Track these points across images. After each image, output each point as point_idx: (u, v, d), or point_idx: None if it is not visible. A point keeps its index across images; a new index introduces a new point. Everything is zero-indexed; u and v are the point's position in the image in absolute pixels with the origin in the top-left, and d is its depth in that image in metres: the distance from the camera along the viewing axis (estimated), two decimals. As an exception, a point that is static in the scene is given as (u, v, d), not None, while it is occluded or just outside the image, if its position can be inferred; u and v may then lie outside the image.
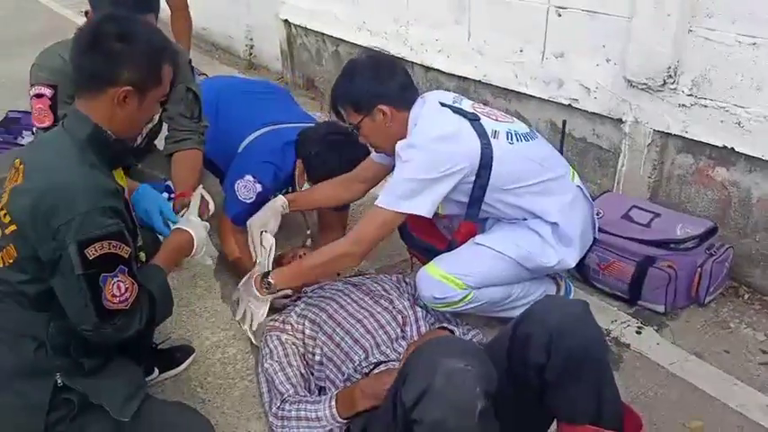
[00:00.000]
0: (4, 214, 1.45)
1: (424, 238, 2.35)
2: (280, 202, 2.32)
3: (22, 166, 1.48)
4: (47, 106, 2.13)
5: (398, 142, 1.98)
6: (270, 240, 2.13)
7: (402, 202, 1.93)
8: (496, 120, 2.06)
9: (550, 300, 1.56)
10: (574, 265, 2.10)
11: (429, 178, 1.91)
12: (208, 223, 1.93)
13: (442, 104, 2.04)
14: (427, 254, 2.24)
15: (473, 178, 1.97)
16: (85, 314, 1.45)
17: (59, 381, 1.51)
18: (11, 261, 1.47)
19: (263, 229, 2.23)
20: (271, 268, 2.07)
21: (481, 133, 1.96)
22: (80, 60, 1.52)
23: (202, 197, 2.02)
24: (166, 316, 1.72)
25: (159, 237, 1.88)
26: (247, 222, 2.30)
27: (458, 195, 2.01)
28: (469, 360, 1.30)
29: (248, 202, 2.42)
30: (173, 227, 1.87)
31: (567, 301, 1.84)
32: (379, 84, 2.00)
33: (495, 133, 2.00)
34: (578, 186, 2.11)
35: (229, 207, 2.44)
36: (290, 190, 2.55)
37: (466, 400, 1.26)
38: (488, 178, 1.97)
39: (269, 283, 2.00)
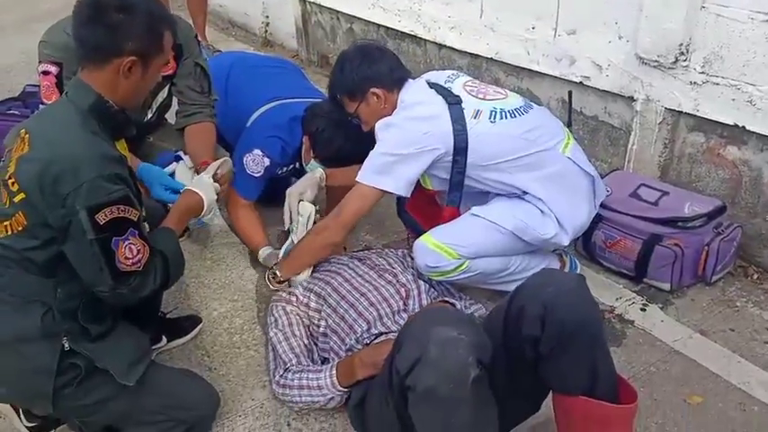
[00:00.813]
0: (12, 183, 1.48)
1: (415, 215, 2.37)
2: (318, 173, 2.36)
3: (27, 135, 1.50)
4: (53, 84, 2.16)
5: (378, 121, 2.02)
6: (308, 208, 2.19)
7: (376, 177, 2.00)
8: (483, 98, 2.06)
9: (546, 272, 1.57)
10: (567, 243, 2.11)
11: (402, 153, 1.97)
12: (218, 185, 1.95)
13: (430, 85, 2.08)
14: (415, 232, 2.27)
15: (450, 159, 2.01)
16: (101, 277, 1.48)
17: (66, 345, 1.54)
18: (20, 228, 1.50)
19: (301, 198, 2.27)
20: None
21: (457, 118, 1.99)
22: (82, 33, 1.53)
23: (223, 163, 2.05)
24: (179, 276, 1.74)
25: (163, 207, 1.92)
26: (286, 191, 2.33)
27: (440, 172, 2.05)
28: (463, 329, 1.32)
29: (256, 176, 2.45)
30: (183, 189, 1.91)
31: (563, 274, 1.85)
32: (368, 68, 2.07)
33: (477, 113, 2.01)
34: (569, 158, 2.08)
35: (238, 181, 2.47)
36: (297, 165, 2.57)
37: (458, 368, 1.28)
38: (465, 163, 2.01)
39: (274, 274, 2.13)
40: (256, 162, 2.43)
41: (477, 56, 3.36)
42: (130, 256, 1.49)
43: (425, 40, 3.67)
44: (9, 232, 1.51)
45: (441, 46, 3.60)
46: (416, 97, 2.07)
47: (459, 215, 2.13)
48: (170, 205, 1.92)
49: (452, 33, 3.45)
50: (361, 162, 2.28)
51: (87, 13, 1.52)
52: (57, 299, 1.53)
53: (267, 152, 2.44)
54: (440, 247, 2.03)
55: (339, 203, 2.07)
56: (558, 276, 1.55)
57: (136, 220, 1.50)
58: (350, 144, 2.33)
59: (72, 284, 1.53)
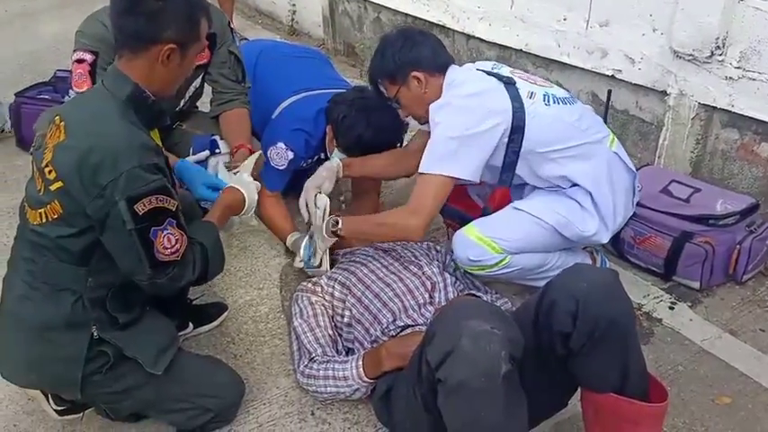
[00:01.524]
0: (50, 171, 1.49)
1: (458, 206, 2.35)
2: (336, 163, 2.33)
3: (62, 123, 1.51)
4: (86, 72, 2.17)
5: (431, 105, 1.97)
6: (324, 200, 2.17)
7: (444, 164, 1.91)
8: (534, 83, 2.05)
9: (579, 268, 1.53)
10: (606, 241, 2.07)
11: (465, 135, 1.90)
12: (259, 183, 1.97)
13: (478, 69, 2.04)
14: (462, 222, 2.23)
15: (506, 141, 1.95)
16: (140, 267, 1.49)
17: (95, 333, 1.56)
18: (55, 216, 1.51)
19: (318, 190, 2.25)
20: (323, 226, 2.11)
21: (514, 96, 1.95)
22: (121, 21, 1.53)
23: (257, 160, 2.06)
24: (218, 271, 1.74)
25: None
26: (305, 184, 2.31)
27: (492, 159, 1.99)
28: (496, 323, 1.31)
29: (280, 168, 2.45)
30: (226, 184, 1.92)
31: (596, 270, 1.81)
32: (409, 51, 2.02)
33: (532, 95, 1.98)
34: (615, 153, 2.07)
35: (263, 173, 2.48)
36: (321, 156, 2.57)
37: (490, 363, 1.27)
38: (521, 142, 1.95)
39: (336, 222, 2.06)
40: (280, 155, 2.43)
41: (506, 47, 3.33)
42: (168, 246, 1.50)
43: (454, 30, 3.64)
44: (44, 220, 1.52)
45: (469, 37, 3.57)
46: (467, 76, 2.03)
47: (510, 198, 2.09)
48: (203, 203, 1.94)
49: (481, 24, 3.42)
50: (387, 149, 2.27)
51: (125, 1, 1.52)
52: (87, 287, 1.55)
53: (291, 145, 2.44)
54: (483, 240, 1.98)
55: (410, 200, 1.98)
56: (591, 272, 1.53)
57: (174, 210, 1.51)
58: (371, 131, 2.31)
59: (104, 274, 1.55)
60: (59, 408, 1.77)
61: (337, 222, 2.06)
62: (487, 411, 1.30)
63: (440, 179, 1.92)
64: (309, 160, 2.58)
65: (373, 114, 2.30)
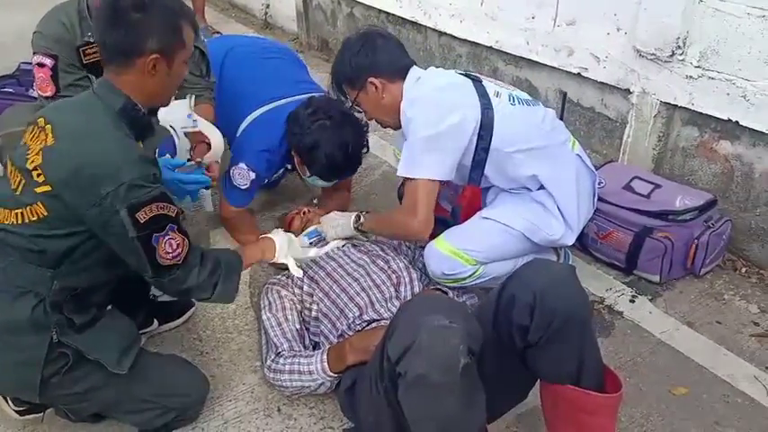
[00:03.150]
0: (38, 174, 1.47)
1: None
2: (353, 217, 2.22)
3: (49, 126, 1.50)
4: (48, 76, 2.15)
5: (402, 103, 1.99)
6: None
7: (422, 168, 1.92)
8: (499, 85, 2.08)
9: (537, 263, 1.57)
10: (572, 242, 2.10)
11: (438, 131, 1.90)
12: (293, 235, 2.05)
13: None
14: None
15: (476, 138, 1.97)
16: (144, 268, 1.53)
17: (55, 337, 1.54)
18: (34, 218, 1.50)
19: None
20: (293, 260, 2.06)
21: (482, 93, 1.98)
22: (104, 37, 1.54)
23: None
24: (228, 296, 1.73)
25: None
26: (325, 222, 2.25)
27: (461, 158, 2.01)
28: (454, 317, 1.34)
29: (243, 188, 2.45)
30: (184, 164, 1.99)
31: (554, 265, 1.85)
32: (365, 57, 2.03)
33: (498, 94, 2.02)
34: (578, 155, 2.11)
35: (227, 190, 2.48)
36: (288, 167, 2.56)
37: (449, 356, 1.29)
38: (490, 140, 1.97)
39: (358, 217, 2.15)
40: (243, 176, 2.42)
41: (477, 44, 3.36)
42: (170, 251, 1.53)
43: (426, 27, 3.67)
44: (20, 221, 1.51)
45: (441, 33, 3.60)
46: (435, 72, 2.05)
47: (480, 193, 2.11)
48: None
49: (453, 21, 3.45)
50: (359, 162, 2.27)
51: (106, 15, 1.52)
52: (51, 290, 1.54)
53: (252, 166, 2.42)
54: (456, 253, 2.01)
55: (403, 202, 2.01)
56: (550, 267, 1.57)
57: (174, 215, 1.54)
58: (341, 154, 2.28)
59: (71, 278, 1.55)
60: (19, 408, 1.76)
61: (359, 218, 2.14)
62: (446, 405, 1.32)
63: (423, 182, 1.94)
64: (274, 174, 2.60)
65: (334, 135, 2.26)
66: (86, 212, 1.45)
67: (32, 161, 1.48)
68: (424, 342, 1.30)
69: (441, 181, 1.96)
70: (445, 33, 3.56)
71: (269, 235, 1.96)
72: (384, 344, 1.43)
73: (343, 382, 1.78)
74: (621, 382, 1.51)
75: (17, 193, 1.51)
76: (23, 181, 1.50)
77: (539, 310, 1.42)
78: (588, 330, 1.51)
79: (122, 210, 1.43)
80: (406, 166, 1.96)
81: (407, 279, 2.02)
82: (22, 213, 1.51)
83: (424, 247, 2.11)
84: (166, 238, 1.51)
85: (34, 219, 1.50)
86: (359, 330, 1.86)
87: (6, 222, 1.53)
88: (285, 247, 1.94)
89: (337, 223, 2.18)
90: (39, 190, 1.47)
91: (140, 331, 2.03)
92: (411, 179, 1.96)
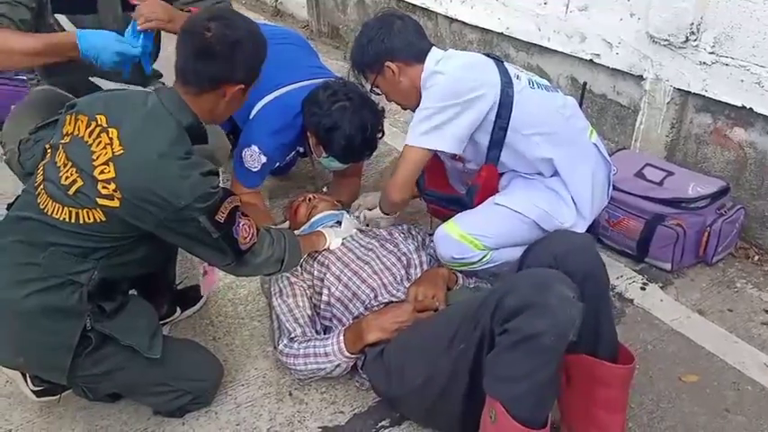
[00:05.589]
0: (108, 186, 1.49)
1: (443, 190, 2.36)
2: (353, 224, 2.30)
3: (113, 130, 1.52)
4: None
5: (424, 71, 2.01)
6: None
7: (426, 137, 1.96)
8: (519, 70, 2.09)
9: (557, 232, 1.66)
10: (583, 231, 2.07)
11: (452, 103, 1.92)
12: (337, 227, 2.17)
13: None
14: (448, 204, 2.26)
15: (494, 116, 1.97)
16: (225, 259, 1.65)
17: (88, 324, 1.58)
18: (90, 221, 1.53)
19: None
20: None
21: (503, 72, 1.99)
22: (192, 63, 1.58)
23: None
24: (295, 263, 1.93)
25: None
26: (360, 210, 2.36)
27: (479, 135, 2.01)
28: (577, 296, 1.37)
29: (254, 170, 2.47)
30: (138, 50, 1.99)
31: (574, 233, 1.87)
32: (381, 41, 2.03)
33: (518, 76, 2.02)
34: (594, 144, 2.10)
35: (237, 171, 2.50)
36: (300, 150, 2.57)
37: (567, 326, 1.33)
38: (509, 119, 1.97)
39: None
40: (254, 158, 2.44)
41: (488, 31, 3.35)
42: (247, 235, 1.66)
43: (437, 13, 3.66)
44: (73, 220, 1.53)
45: (452, 20, 3.58)
46: (461, 52, 2.08)
47: (498, 174, 2.11)
48: None
49: (464, 7, 3.43)
50: (376, 144, 2.30)
51: (199, 46, 1.56)
52: (90, 282, 1.57)
53: (264, 149, 2.44)
54: (465, 237, 2.01)
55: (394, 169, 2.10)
56: (569, 234, 1.63)
57: (239, 203, 1.63)
58: (360, 135, 2.29)
59: (109, 271, 1.59)
60: (37, 388, 1.79)
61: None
62: (547, 368, 1.34)
63: (419, 151, 1.99)
64: (287, 157, 2.61)
65: (354, 116, 2.26)
66: (159, 221, 1.51)
67: (101, 171, 1.50)
68: (552, 305, 1.33)
69: (432, 151, 2.01)
70: (456, 20, 3.54)
71: (320, 229, 2.12)
72: (486, 300, 1.44)
73: (369, 353, 1.80)
74: (634, 355, 1.55)
75: (69, 192, 1.53)
76: (82, 183, 1.52)
77: (559, 269, 1.46)
78: (605, 297, 1.57)
79: (202, 216, 1.52)
80: (412, 133, 2.00)
81: (417, 261, 2.03)
82: (77, 213, 1.53)
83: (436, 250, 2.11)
84: (241, 225, 1.62)
85: (90, 221, 1.53)
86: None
87: (56, 217, 1.54)
88: (333, 235, 2.10)
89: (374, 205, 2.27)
90: (103, 202, 1.50)
91: (167, 320, 2.10)
92: (406, 146, 2.01)
